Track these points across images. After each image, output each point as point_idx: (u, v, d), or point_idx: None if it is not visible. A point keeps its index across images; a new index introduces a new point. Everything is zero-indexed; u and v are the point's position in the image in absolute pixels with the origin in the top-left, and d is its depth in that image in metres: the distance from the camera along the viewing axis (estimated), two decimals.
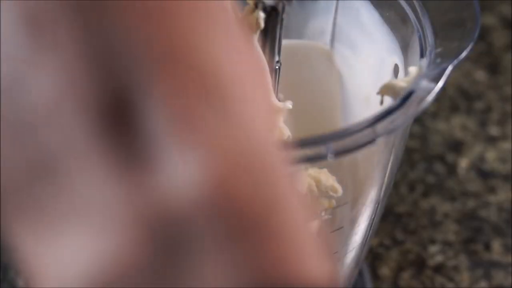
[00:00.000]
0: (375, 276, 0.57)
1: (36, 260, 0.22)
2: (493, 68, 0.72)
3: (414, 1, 0.42)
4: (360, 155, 0.39)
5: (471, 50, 0.38)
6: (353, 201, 0.43)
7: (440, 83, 0.37)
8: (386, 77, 0.45)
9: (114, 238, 0.21)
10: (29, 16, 0.21)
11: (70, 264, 0.21)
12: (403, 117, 0.36)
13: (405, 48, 0.43)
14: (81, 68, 0.21)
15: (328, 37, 0.48)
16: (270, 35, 0.39)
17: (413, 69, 0.40)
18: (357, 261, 0.47)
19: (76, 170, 0.21)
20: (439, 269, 0.58)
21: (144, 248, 0.21)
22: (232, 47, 0.23)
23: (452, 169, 0.64)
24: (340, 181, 0.42)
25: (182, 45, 0.21)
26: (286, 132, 0.41)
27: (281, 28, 0.39)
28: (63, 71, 0.21)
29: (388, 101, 0.44)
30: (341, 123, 0.49)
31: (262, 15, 0.38)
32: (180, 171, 0.21)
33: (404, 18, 0.42)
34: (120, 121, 0.21)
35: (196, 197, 0.21)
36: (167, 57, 0.21)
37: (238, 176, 0.21)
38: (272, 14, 0.39)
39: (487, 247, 0.60)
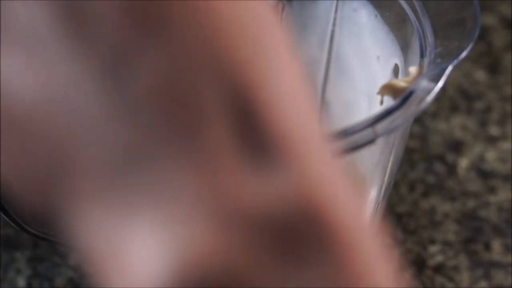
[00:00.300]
0: None
1: (115, 252, 0.21)
2: (493, 68, 0.72)
3: (414, 1, 0.42)
4: (360, 155, 0.39)
5: (471, 50, 0.38)
6: None
7: (440, 83, 0.37)
8: (386, 77, 0.45)
9: (206, 233, 0.20)
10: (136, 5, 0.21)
11: (153, 258, 0.20)
12: (403, 117, 0.36)
13: (405, 48, 0.43)
14: (190, 63, 0.21)
15: (327, 37, 0.48)
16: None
17: (413, 69, 0.40)
18: None
19: (178, 160, 0.21)
20: (439, 269, 0.58)
21: (236, 248, 0.21)
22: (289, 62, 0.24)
23: (452, 169, 0.64)
24: None
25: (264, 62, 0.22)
26: None
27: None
28: (171, 61, 0.20)
29: (389, 101, 0.44)
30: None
31: None
32: (281, 181, 0.21)
33: (404, 18, 0.42)
34: (239, 122, 0.21)
35: (293, 208, 0.21)
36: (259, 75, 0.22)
37: (330, 194, 0.22)
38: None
39: (487, 247, 0.60)
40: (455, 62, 0.37)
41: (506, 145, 0.66)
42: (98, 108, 0.21)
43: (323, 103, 0.51)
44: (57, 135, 0.21)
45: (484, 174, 0.64)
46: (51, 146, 0.21)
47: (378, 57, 0.46)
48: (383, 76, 0.45)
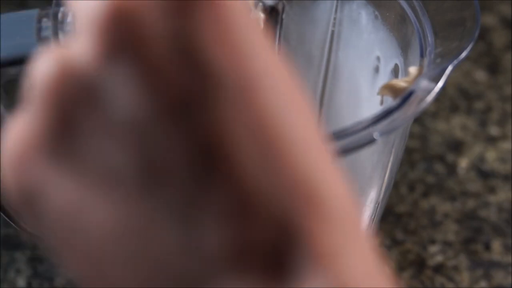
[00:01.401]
0: None
1: None
2: (493, 68, 0.72)
3: (414, 1, 0.42)
4: (360, 155, 0.39)
5: (471, 50, 0.38)
6: None
7: (440, 83, 0.37)
8: (386, 77, 0.45)
9: None
10: None
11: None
12: (403, 117, 0.36)
13: (405, 48, 0.43)
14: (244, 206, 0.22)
15: (328, 38, 0.48)
16: (269, 35, 0.39)
17: (413, 69, 0.40)
18: None
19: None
20: (439, 269, 0.58)
21: None
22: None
23: (452, 169, 0.64)
24: None
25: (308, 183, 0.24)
26: None
27: (281, 28, 0.39)
28: (234, 204, 0.23)
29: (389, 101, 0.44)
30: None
31: (262, 15, 0.38)
32: None
33: (404, 18, 0.42)
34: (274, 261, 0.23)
35: None
36: (306, 199, 0.23)
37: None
38: (272, 14, 0.39)
39: (487, 247, 0.60)
40: (455, 62, 0.37)
41: (506, 145, 0.66)
42: (171, 244, 0.23)
43: (321, 106, 0.51)
44: (131, 263, 0.23)
45: (484, 174, 0.64)
46: (125, 273, 0.23)
47: (378, 57, 0.46)
48: (383, 76, 0.45)
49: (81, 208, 0.23)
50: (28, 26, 0.38)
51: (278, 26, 0.39)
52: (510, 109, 0.69)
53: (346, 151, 0.35)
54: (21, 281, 0.56)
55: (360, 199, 0.43)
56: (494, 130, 0.67)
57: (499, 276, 0.58)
